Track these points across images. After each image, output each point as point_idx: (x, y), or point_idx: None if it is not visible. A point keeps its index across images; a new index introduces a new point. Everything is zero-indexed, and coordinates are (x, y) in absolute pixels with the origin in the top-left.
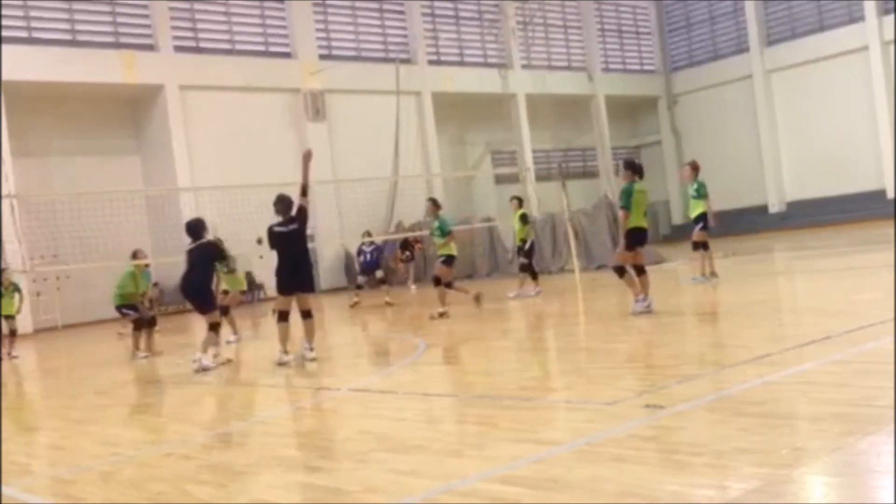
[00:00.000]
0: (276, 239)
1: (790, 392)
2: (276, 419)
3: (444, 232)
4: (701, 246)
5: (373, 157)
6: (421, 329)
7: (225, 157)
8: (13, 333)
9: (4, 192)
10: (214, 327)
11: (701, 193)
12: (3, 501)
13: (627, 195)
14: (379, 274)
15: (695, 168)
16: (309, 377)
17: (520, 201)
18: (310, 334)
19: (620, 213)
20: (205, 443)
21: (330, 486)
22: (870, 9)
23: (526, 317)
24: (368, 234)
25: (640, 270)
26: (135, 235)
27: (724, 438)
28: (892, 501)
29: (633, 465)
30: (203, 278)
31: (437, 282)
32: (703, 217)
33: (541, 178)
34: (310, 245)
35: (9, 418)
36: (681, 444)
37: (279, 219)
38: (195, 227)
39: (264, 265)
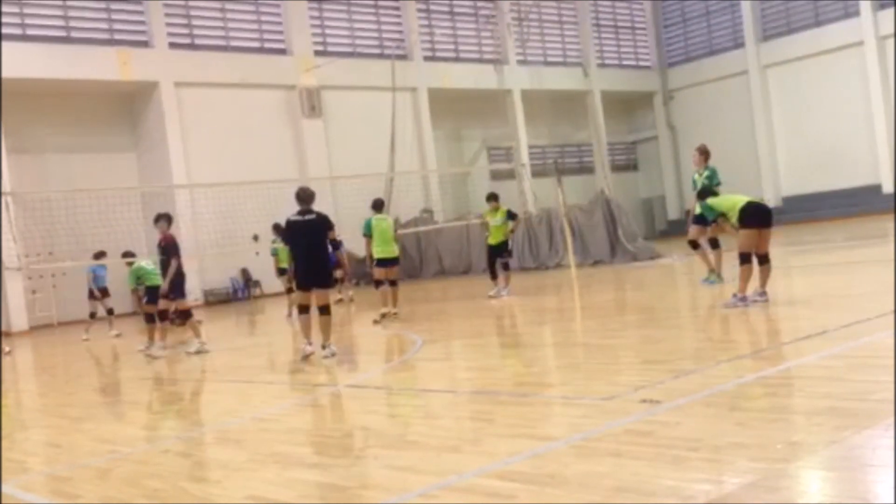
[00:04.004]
0: (291, 229)
1: (786, 387)
2: (272, 416)
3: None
4: (710, 243)
5: (368, 154)
6: (418, 325)
7: (220, 154)
8: None
9: (0, 189)
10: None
11: (712, 183)
12: (1, 499)
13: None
14: (338, 273)
15: (703, 152)
16: (306, 374)
17: (497, 198)
18: (326, 331)
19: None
20: (201, 440)
21: (327, 482)
22: (865, 4)
23: (522, 313)
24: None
25: (764, 258)
26: (130, 233)
27: (721, 433)
28: (890, 495)
29: (629, 460)
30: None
31: (378, 283)
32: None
33: (537, 174)
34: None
35: (6, 416)
36: (677, 439)
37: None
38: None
39: (260, 262)
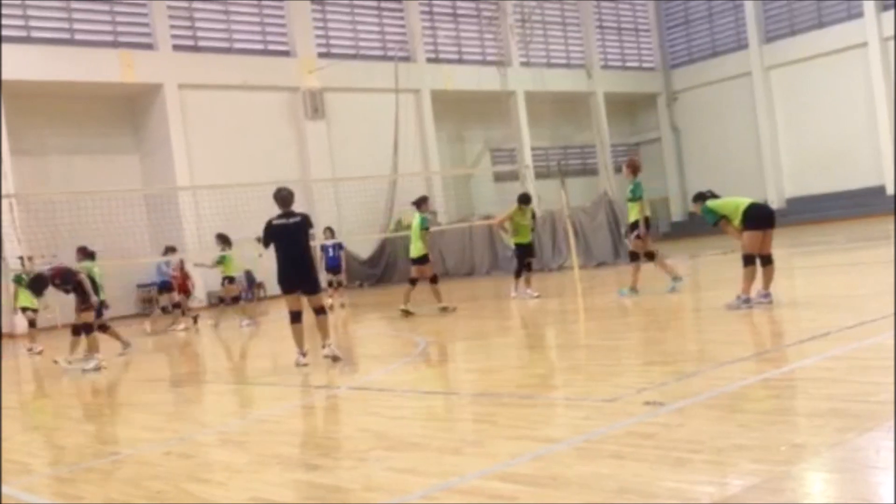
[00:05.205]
0: (274, 232)
1: (789, 388)
2: (275, 417)
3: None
4: (640, 256)
5: (372, 156)
6: (421, 327)
7: (224, 156)
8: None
9: (3, 191)
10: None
11: (635, 195)
12: (2, 500)
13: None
14: (340, 278)
15: (630, 166)
16: (308, 375)
17: (530, 200)
18: (324, 330)
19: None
20: (204, 441)
21: (329, 484)
22: (869, 5)
23: (525, 314)
24: (330, 230)
25: (767, 260)
26: (133, 234)
27: (723, 435)
28: (892, 497)
29: (632, 461)
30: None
31: (413, 282)
32: (639, 224)
33: (540, 175)
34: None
35: (8, 417)
36: (680, 441)
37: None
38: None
39: (263, 263)
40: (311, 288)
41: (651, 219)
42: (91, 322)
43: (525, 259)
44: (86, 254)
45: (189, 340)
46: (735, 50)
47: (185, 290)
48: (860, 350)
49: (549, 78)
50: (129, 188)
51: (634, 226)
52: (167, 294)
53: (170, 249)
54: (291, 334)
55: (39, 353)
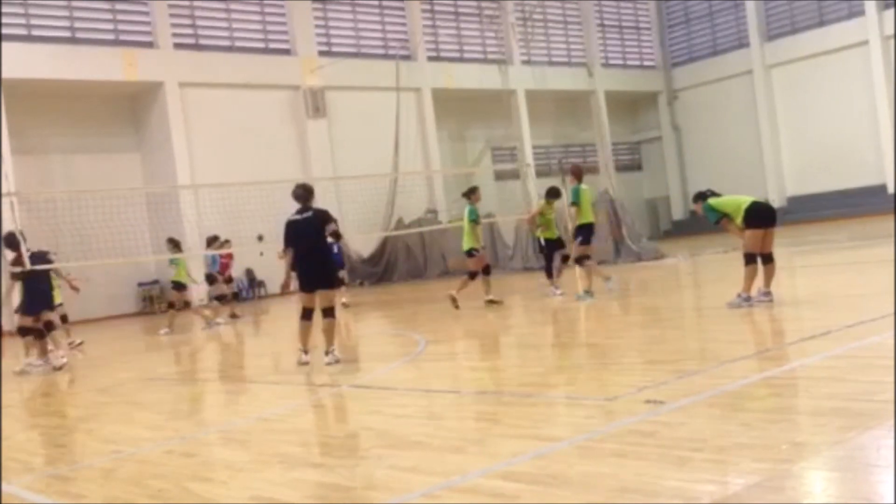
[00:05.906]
0: (291, 230)
1: (790, 387)
2: (277, 416)
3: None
4: (583, 259)
5: (373, 154)
6: (422, 325)
7: (225, 155)
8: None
9: (4, 189)
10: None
11: (572, 201)
12: (3, 499)
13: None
14: (341, 274)
15: (573, 171)
16: (310, 374)
17: (560, 194)
18: (329, 335)
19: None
20: (206, 440)
21: (331, 482)
22: (870, 3)
23: (526, 313)
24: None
25: (768, 258)
26: (134, 233)
27: (725, 434)
28: (893, 496)
29: (633, 460)
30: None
31: (487, 271)
32: (583, 229)
33: (541, 174)
34: None
35: (9, 416)
36: (681, 440)
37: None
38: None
39: (264, 262)
40: (328, 284)
41: (595, 225)
42: (28, 326)
43: (552, 254)
44: (42, 259)
45: (202, 337)
46: (736, 48)
47: (228, 276)
48: (861, 349)
49: (550, 76)
50: (131, 187)
51: (577, 231)
52: (216, 285)
53: (215, 238)
54: (298, 329)
55: (79, 345)
